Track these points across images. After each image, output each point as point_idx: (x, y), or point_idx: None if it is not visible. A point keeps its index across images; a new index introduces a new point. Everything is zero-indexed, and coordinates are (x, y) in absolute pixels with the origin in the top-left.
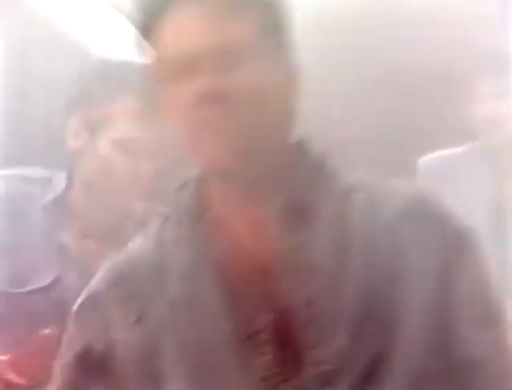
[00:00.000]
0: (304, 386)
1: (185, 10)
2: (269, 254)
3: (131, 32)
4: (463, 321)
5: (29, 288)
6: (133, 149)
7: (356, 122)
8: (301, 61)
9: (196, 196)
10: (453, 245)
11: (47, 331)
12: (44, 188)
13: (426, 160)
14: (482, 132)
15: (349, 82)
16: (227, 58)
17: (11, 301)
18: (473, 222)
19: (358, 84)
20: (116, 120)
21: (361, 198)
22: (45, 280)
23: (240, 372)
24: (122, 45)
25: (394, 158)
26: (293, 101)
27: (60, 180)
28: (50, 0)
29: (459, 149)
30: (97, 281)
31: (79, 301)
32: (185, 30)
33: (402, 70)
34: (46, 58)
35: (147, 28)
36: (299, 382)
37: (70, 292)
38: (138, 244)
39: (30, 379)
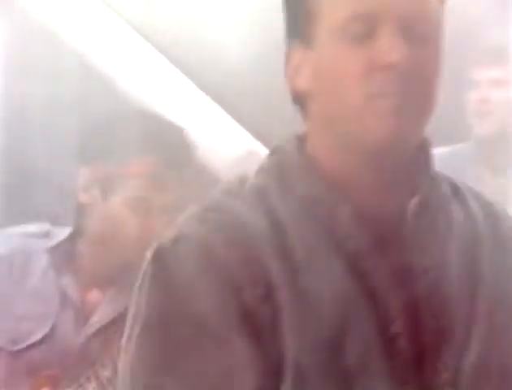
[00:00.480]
0: None
1: None
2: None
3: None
4: None
5: (28, 342)
6: (145, 209)
7: None
8: None
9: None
10: None
11: (49, 371)
12: (44, 239)
13: None
14: (475, 119)
15: None
16: (411, 29)
17: (12, 357)
18: None
19: None
20: (132, 179)
21: (487, 224)
22: (43, 331)
23: (377, 372)
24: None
25: None
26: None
27: (61, 231)
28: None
29: (450, 148)
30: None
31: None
32: None
33: None
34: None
35: None
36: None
37: (68, 339)
38: (243, 217)
39: None
